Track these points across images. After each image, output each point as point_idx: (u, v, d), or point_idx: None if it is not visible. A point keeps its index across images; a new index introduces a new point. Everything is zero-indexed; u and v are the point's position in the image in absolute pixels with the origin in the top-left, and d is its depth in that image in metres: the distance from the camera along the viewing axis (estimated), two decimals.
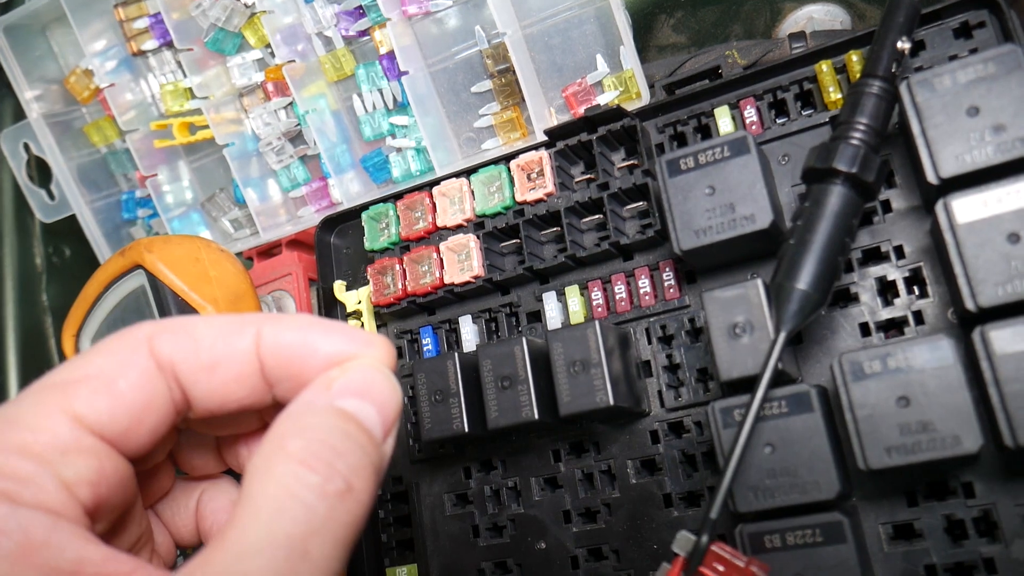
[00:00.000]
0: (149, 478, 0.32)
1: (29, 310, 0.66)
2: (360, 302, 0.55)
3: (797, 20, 0.57)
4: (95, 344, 0.28)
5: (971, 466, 0.39)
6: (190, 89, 0.62)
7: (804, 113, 0.46)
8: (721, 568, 0.36)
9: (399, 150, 0.59)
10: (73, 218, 0.66)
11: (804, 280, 0.37)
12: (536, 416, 0.44)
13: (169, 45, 0.62)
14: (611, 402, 0.42)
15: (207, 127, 0.62)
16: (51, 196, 0.65)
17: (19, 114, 0.70)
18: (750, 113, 0.47)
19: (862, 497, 0.41)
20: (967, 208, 0.37)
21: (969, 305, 0.36)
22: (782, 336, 0.37)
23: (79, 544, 0.24)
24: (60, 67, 0.65)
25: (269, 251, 0.63)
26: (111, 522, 0.28)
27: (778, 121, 0.47)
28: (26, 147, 0.65)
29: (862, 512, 0.41)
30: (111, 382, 0.27)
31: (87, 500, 0.25)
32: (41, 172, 0.66)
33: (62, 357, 0.67)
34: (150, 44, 0.62)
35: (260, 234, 0.62)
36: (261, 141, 0.61)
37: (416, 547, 0.52)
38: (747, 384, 0.39)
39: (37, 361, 0.65)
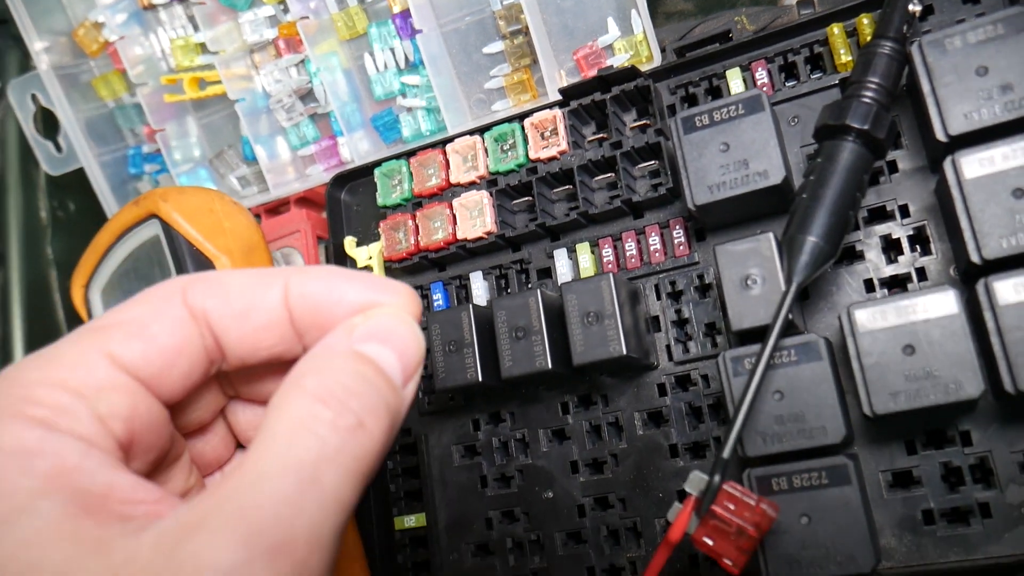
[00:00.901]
0: (203, 445, 0.33)
1: (34, 263, 0.66)
2: (371, 258, 0.56)
3: None
4: (132, 296, 0.29)
5: (969, 414, 0.40)
6: (201, 44, 0.63)
7: (814, 76, 0.47)
8: (732, 507, 0.37)
9: (409, 110, 0.60)
10: (79, 172, 0.66)
11: (816, 232, 0.39)
12: (550, 366, 0.45)
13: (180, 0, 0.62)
14: (623, 352, 0.43)
15: (217, 83, 0.62)
16: (58, 148, 0.65)
17: (25, 66, 0.69)
18: (761, 75, 0.48)
19: (863, 444, 0.42)
20: (974, 164, 0.38)
21: (974, 258, 0.38)
22: (794, 286, 0.39)
23: (109, 471, 0.25)
24: (69, 19, 0.65)
25: (277, 209, 0.64)
26: (148, 463, 0.29)
27: (788, 84, 0.48)
28: (34, 98, 0.64)
29: (863, 459, 0.42)
30: (145, 327, 0.28)
31: (120, 434, 0.27)
32: (47, 125, 0.66)
33: (67, 309, 0.68)
34: None
35: (270, 191, 0.62)
36: (271, 98, 0.62)
37: (424, 497, 0.53)
38: (757, 335, 0.41)
39: (42, 313, 0.66)
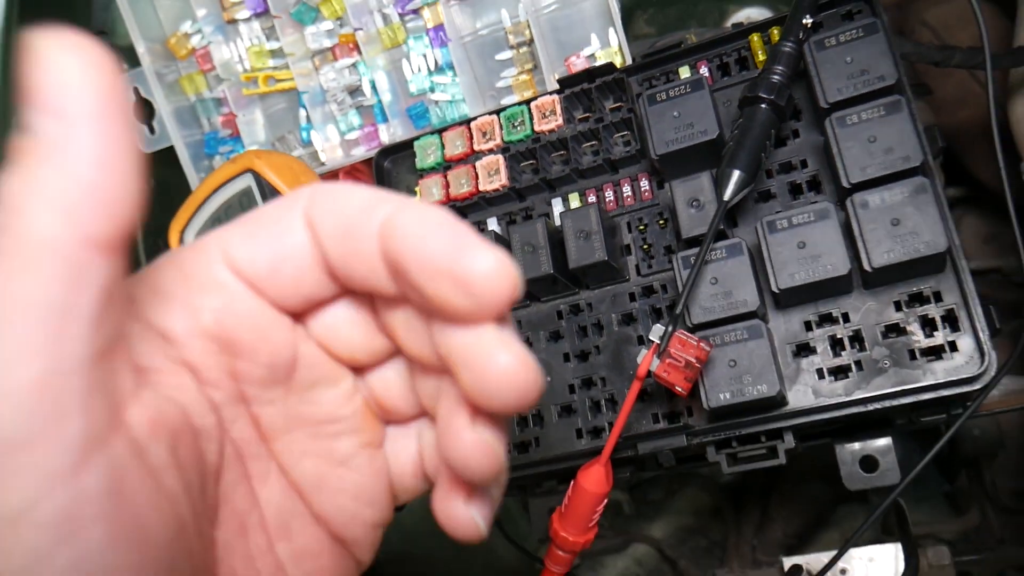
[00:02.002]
0: (381, 386, 0.33)
1: None
2: None
3: (738, 17, 0.77)
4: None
5: (847, 294, 0.58)
6: (271, 51, 0.80)
7: (742, 72, 0.66)
8: (681, 347, 0.54)
9: (437, 102, 0.77)
10: (163, 152, 0.82)
11: (739, 165, 0.56)
12: (551, 270, 0.62)
13: (257, 15, 0.80)
14: (605, 258, 0.60)
15: (283, 80, 0.79)
16: (152, 131, 0.82)
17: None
18: (704, 71, 0.66)
19: (774, 318, 0.59)
20: (844, 120, 0.56)
21: (844, 183, 0.56)
22: (723, 203, 0.56)
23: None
24: (164, 30, 0.82)
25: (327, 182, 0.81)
26: (263, 367, 0.29)
27: (724, 78, 0.66)
28: (135, 91, 0.81)
29: (774, 333, 0.59)
30: (259, 228, 0.29)
31: (212, 328, 0.28)
32: (141, 113, 0.83)
33: (150, 255, 0.83)
34: (243, 14, 0.79)
35: (325, 165, 0.79)
36: (327, 93, 0.79)
37: None
38: (700, 241, 0.58)
39: (131, 260, 0.81)
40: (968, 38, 1.02)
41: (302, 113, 0.81)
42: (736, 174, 0.57)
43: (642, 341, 0.64)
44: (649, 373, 0.54)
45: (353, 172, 0.80)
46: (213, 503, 0.29)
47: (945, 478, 1.06)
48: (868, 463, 0.63)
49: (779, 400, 0.56)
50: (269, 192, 0.68)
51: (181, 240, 0.74)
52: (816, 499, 0.91)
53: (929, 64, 0.74)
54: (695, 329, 0.57)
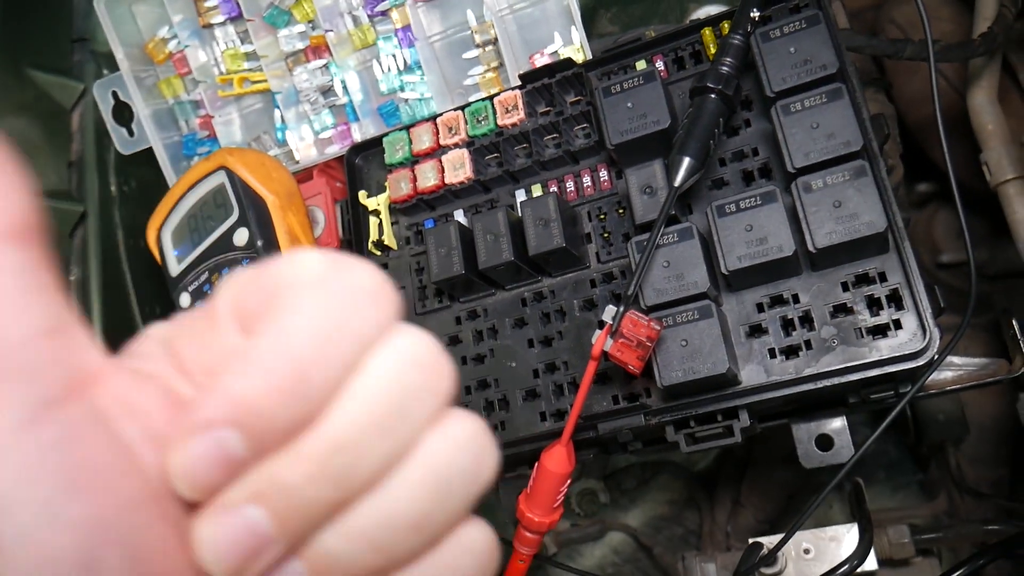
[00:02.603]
0: None
1: (106, 225, 0.84)
2: (379, 204, 0.75)
3: (699, 14, 0.80)
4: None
5: (797, 276, 0.60)
6: (246, 54, 0.82)
7: (696, 65, 0.68)
8: (633, 327, 0.56)
9: (407, 100, 0.80)
10: (142, 154, 0.85)
11: (688, 152, 0.59)
12: (512, 257, 0.64)
13: (232, 19, 0.82)
14: (563, 244, 0.63)
15: (258, 82, 0.82)
16: (131, 133, 0.84)
17: (99, 75, 0.88)
18: (660, 64, 0.69)
19: (726, 299, 0.61)
20: (789, 107, 0.59)
21: (789, 167, 0.58)
22: (674, 189, 0.58)
23: None
24: (141, 35, 0.84)
25: (301, 179, 0.83)
26: None
27: (679, 72, 0.69)
28: (114, 95, 0.83)
29: (728, 314, 0.61)
30: None
31: None
32: (119, 117, 0.85)
33: (131, 261, 0.85)
34: (217, 18, 0.82)
35: (299, 163, 0.81)
36: (300, 93, 0.81)
37: None
38: (653, 226, 0.60)
39: (112, 264, 0.83)
40: (935, 34, 1.05)
41: (277, 113, 0.83)
42: (686, 161, 0.59)
43: (602, 326, 0.66)
44: (604, 353, 0.56)
45: (326, 169, 0.82)
46: None
47: (918, 468, 1.08)
48: (823, 441, 0.64)
49: (731, 378, 0.58)
50: (242, 189, 0.70)
51: (158, 239, 0.76)
52: (787, 486, 0.93)
53: (882, 56, 0.76)
54: (649, 311, 0.59)
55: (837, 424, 0.64)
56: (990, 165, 0.88)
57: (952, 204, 1.26)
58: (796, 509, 0.94)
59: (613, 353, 0.56)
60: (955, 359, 0.69)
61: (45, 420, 0.23)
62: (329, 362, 0.25)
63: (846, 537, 0.73)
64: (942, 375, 0.70)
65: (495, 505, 0.77)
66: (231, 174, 0.71)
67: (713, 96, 0.60)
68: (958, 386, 0.66)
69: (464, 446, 0.27)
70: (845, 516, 0.90)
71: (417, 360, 0.26)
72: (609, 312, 0.56)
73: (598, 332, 0.56)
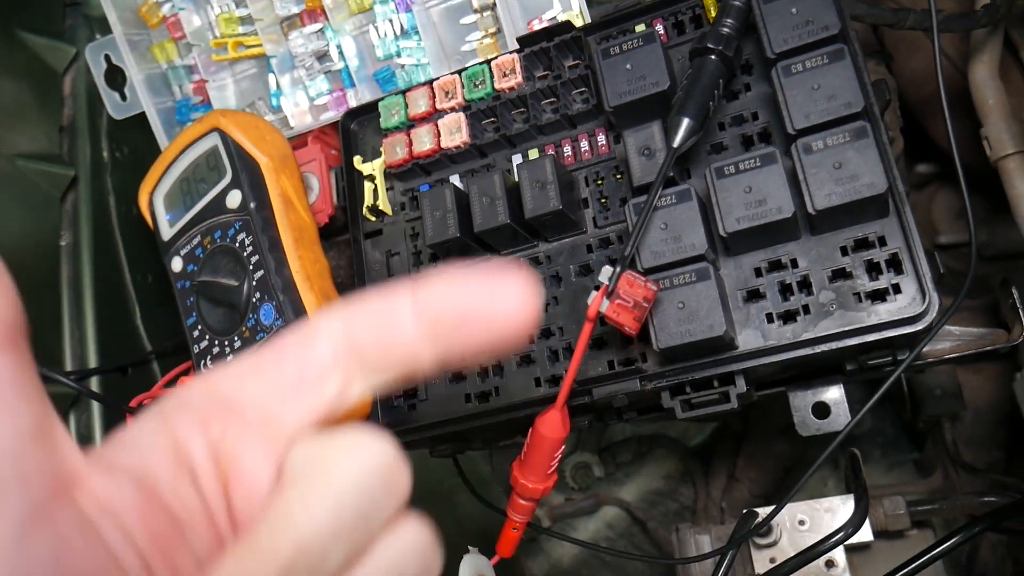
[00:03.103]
0: None
1: (98, 191, 0.83)
2: (374, 169, 0.74)
3: None
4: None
5: (795, 240, 0.59)
6: (240, 18, 0.81)
7: (696, 30, 0.67)
8: (629, 287, 0.55)
9: (403, 66, 0.79)
10: (134, 120, 0.84)
11: (687, 113, 0.58)
12: (508, 220, 0.63)
13: None
14: (560, 207, 0.62)
15: (253, 47, 0.81)
16: (123, 98, 0.83)
17: (92, 38, 0.87)
18: (659, 28, 0.68)
19: (724, 262, 0.61)
20: (789, 69, 0.58)
21: (789, 128, 0.57)
22: (672, 149, 0.58)
23: None
24: None
25: (296, 146, 0.82)
26: None
27: (679, 36, 0.68)
28: (107, 58, 0.82)
29: (725, 279, 0.61)
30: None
31: None
32: (111, 81, 0.84)
33: (122, 227, 0.84)
34: None
35: (293, 128, 0.80)
36: (296, 58, 0.80)
37: None
38: (651, 188, 0.59)
39: (104, 229, 0.82)
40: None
41: (271, 79, 0.82)
42: (685, 122, 0.58)
43: (599, 287, 0.65)
44: (600, 315, 0.55)
45: (321, 136, 0.81)
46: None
47: (914, 445, 1.08)
48: (820, 409, 0.64)
49: (728, 342, 0.58)
50: (235, 151, 0.69)
51: (150, 203, 0.75)
52: (782, 460, 0.93)
53: (884, 25, 0.75)
54: (646, 273, 0.59)
55: (834, 392, 0.64)
56: (990, 140, 0.87)
57: (951, 185, 1.26)
58: (792, 483, 0.94)
59: (609, 314, 0.55)
60: (953, 329, 0.69)
61: (37, 530, 0.24)
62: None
63: (841, 508, 0.73)
64: (939, 345, 0.69)
65: (488, 478, 0.77)
66: (224, 136, 0.70)
67: (713, 57, 0.60)
68: (956, 355, 0.66)
69: (414, 551, 0.28)
70: (841, 491, 0.89)
71: (379, 468, 0.27)
72: (605, 273, 0.55)
73: (594, 294, 0.55)
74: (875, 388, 0.62)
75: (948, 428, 0.88)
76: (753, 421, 0.96)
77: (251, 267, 0.67)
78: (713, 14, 0.66)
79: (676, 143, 0.58)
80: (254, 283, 0.67)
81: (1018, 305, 0.66)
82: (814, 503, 0.74)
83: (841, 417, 0.63)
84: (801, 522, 0.73)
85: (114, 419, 0.76)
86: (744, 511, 0.67)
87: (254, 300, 0.67)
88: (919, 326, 0.56)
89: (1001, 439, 1.06)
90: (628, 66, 0.63)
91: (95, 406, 0.77)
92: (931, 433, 0.94)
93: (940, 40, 1.01)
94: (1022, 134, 0.87)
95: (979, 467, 0.96)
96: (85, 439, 0.75)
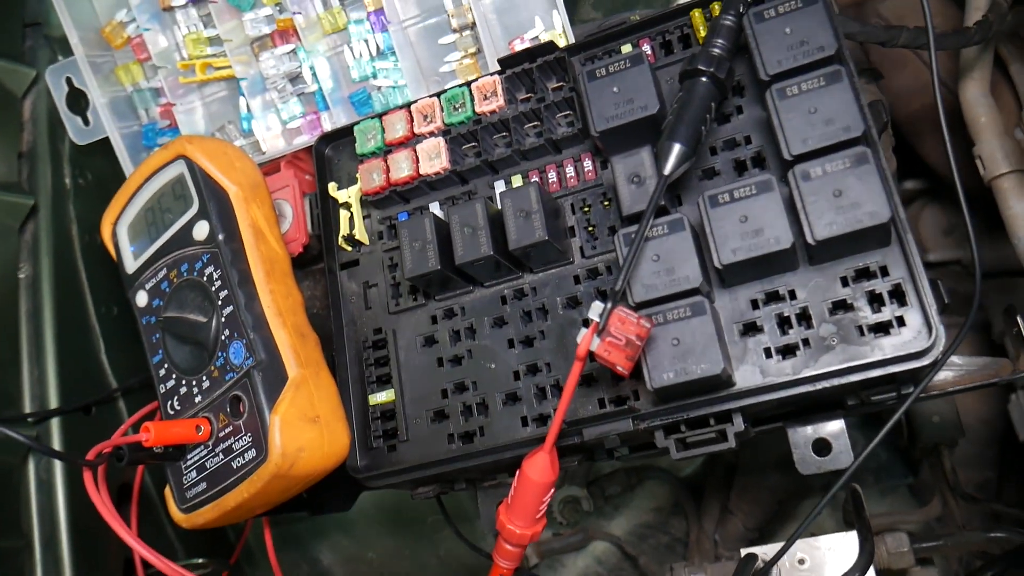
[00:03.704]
0: None
1: (59, 219, 0.79)
2: (350, 196, 0.71)
3: None
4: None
5: (793, 271, 0.56)
6: (209, 38, 0.78)
7: (684, 50, 0.65)
8: (621, 324, 0.52)
9: (380, 88, 0.75)
10: (97, 145, 0.80)
11: (678, 138, 0.55)
12: (491, 251, 0.60)
13: (193, 2, 0.77)
14: (546, 237, 0.59)
15: (222, 68, 0.77)
16: (86, 122, 0.79)
17: (53, 60, 0.83)
18: (646, 48, 0.65)
19: (719, 296, 0.58)
20: (784, 91, 0.55)
21: (786, 154, 0.54)
22: (663, 177, 0.55)
23: None
24: (98, 18, 0.80)
25: (268, 172, 0.78)
26: None
27: (667, 56, 0.65)
28: (68, 81, 0.78)
29: (720, 311, 0.58)
30: None
31: None
32: (74, 105, 0.80)
33: (85, 257, 0.80)
34: (179, 1, 0.77)
35: (265, 154, 0.77)
36: (267, 80, 0.77)
37: (392, 378, 0.66)
38: (641, 217, 0.56)
39: (65, 261, 0.78)
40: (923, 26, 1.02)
41: (242, 102, 0.79)
42: (676, 147, 0.55)
43: (587, 324, 0.62)
44: (590, 354, 0.52)
45: (295, 161, 0.78)
46: None
47: (908, 470, 1.05)
48: (821, 446, 0.61)
49: (725, 380, 0.54)
50: (202, 179, 0.66)
51: (114, 234, 0.71)
52: (776, 491, 0.90)
53: (876, 44, 0.73)
54: (638, 308, 0.56)
55: (835, 427, 0.61)
56: (984, 159, 0.85)
57: (938, 202, 1.24)
58: (787, 515, 0.91)
59: (600, 353, 0.52)
60: (955, 359, 0.66)
61: None
62: None
63: (842, 546, 0.69)
64: (942, 375, 0.67)
65: (473, 516, 0.73)
66: (191, 163, 0.66)
67: (704, 79, 0.57)
68: (960, 387, 0.63)
69: None
70: (836, 523, 0.87)
71: None
72: (596, 309, 0.52)
73: (583, 331, 0.52)
74: (870, 416, 0.59)
75: (947, 456, 0.86)
76: (746, 451, 0.93)
77: (220, 302, 0.64)
78: (702, 34, 0.63)
79: (667, 170, 0.55)
80: (223, 319, 0.63)
81: None
82: (814, 541, 0.70)
83: (843, 454, 0.60)
84: (801, 561, 0.69)
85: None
86: (744, 554, 0.64)
87: (223, 337, 0.63)
88: (925, 361, 0.53)
89: (992, 459, 1.04)
90: (615, 89, 0.60)
91: (55, 447, 0.73)
92: (928, 459, 0.92)
93: (927, 59, 1.00)
94: (1016, 152, 0.85)
95: (971, 490, 0.93)
96: (45, 486, 0.71)
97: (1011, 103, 0.96)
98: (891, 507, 0.97)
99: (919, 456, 0.93)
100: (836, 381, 0.55)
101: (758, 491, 0.89)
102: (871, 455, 0.96)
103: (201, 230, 0.65)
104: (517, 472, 0.59)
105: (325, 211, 0.72)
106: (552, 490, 0.61)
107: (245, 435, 0.60)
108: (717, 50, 0.57)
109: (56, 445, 0.73)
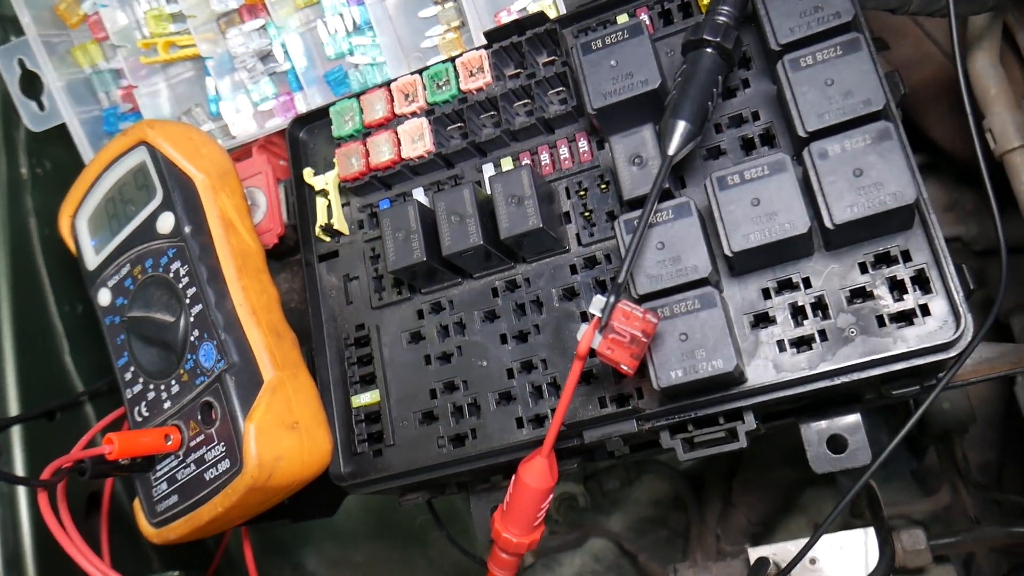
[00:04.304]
0: None
1: (16, 213, 0.74)
2: (327, 183, 0.66)
3: None
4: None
5: (808, 258, 0.52)
6: (172, 15, 0.72)
7: (685, 20, 0.60)
8: (625, 319, 0.48)
9: (357, 66, 0.70)
10: (55, 132, 0.74)
11: (684, 115, 0.50)
12: (481, 241, 0.55)
13: None
14: (540, 225, 0.54)
15: (186, 47, 0.72)
16: (41, 107, 0.74)
17: (5, 40, 0.78)
18: (644, 18, 0.60)
19: (729, 285, 0.54)
20: (798, 62, 0.51)
21: (800, 131, 0.50)
22: (668, 157, 0.50)
23: None
24: None
25: (240, 158, 0.73)
26: None
27: (666, 27, 0.60)
28: (21, 63, 0.73)
29: (729, 301, 0.53)
30: None
31: None
32: (28, 89, 0.75)
33: (45, 252, 0.75)
34: None
35: (236, 138, 0.71)
36: (236, 59, 0.71)
37: (377, 378, 0.62)
38: (644, 202, 0.52)
39: (24, 256, 0.73)
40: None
41: (209, 83, 0.73)
42: (681, 125, 0.50)
43: (586, 318, 0.58)
44: (591, 351, 0.48)
45: (268, 145, 0.73)
46: None
47: (913, 456, 1.02)
48: (836, 443, 0.57)
49: (737, 377, 0.50)
50: (166, 167, 0.61)
51: (72, 227, 0.66)
52: (781, 483, 0.86)
53: (886, 11, 0.68)
54: (642, 300, 0.51)
55: (851, 422, 0.57)
56: (994, 132, 0.81)
57: (938, 176, 1.20)
58: (791, 506, 0.87)
59: (602, 351, 0.48)
60: None
61: None
62: None
63: (854, 545, 0.66)
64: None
65: (465, 516, 0.69)
66: (153, 151, 0.61)
67: (710, 50, 0.52)
68: (981, 377, 0.59)
69: None
70: (842, 517, 0.83)
71: None
72: (597, 303, 0.48)
73: (583, 326, 0.48)
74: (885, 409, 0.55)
75: (958, 443, 0.83)
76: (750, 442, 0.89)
77: (187, 301, 0.59)
78: (705, 2, 0.58)
79: (672, 150, 0.50)
80: (191, 319, 0.58)
81: None
82: (825, 539, 0.67)
83: (860, 451, 0.56)
84: (812, 561, 0.66)
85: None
86: (752, 556, 0.61)
87: (192, 339, 0.58)
88: (952, 352, 0.49)
89: (993, 440, 1.01)
90: (612, 62, 0.55)
91: (17, 458, 0.68)
92: (936, 445, 0.88)
93: (929, 30, 0.95)
94: None
95: (988, 483, 0.90)
96: (6, 499, 0.66)
97: (1018, 74, 0.92)
98: (896, 495, 0.94)
99: (927, 443, 0.90)
100: (856, 376, 0.51)
101: (762, 482, 0.86)
102: (875, 440, 0.92)
103: (166, 222, 0.60)
104: (513, 477, 0.55)
105: (301, 199, 0.67)
106: (551, 496, 0.57)
107: (218, 444, 0.56)
108: (723, 18, 0.53)
109: (17, 455, 0.68)
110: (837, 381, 0.51)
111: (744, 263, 0.52)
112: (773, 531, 0.87)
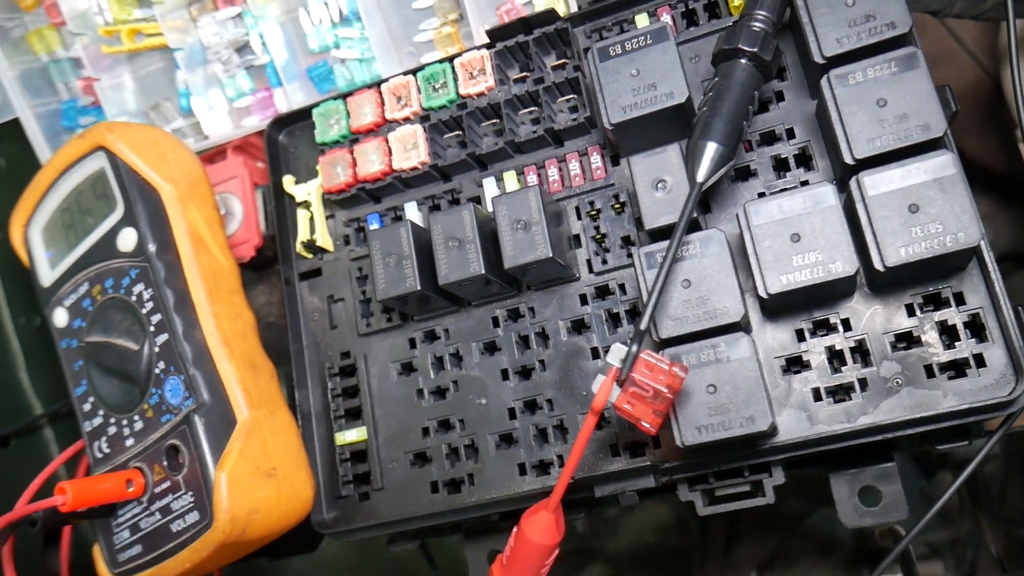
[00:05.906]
0: None
1: None
2: (309, 193, 0.59)
3: None
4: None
5: (848, 298, 0.47)
6: None
7: (712, 21, 0.54)
8: (648, 372, 0.42)
9: (343, 61, 0.64)
10: (6, 128, 0.67)
11: (715, 136, 0.44)
12: (483, 270, 0.49)
13: None
14: (550, 254, 0.48)
15: (154, 35, 0.65)
16: None
17: None
18: (665, 19, 0.54)
19: (761, 329, 0.48)
20: (846, 79, 0.45)
21: (847, 158, 0.44)
22: (698, 184, 0.44)
23: None
24: None
25: (213, 158, 0.67)
26: None
27: (690, 29, 0.54)
28: None
29: (760, 344, 0.48)
30: None
31: None
32: None
33: (0, 259, 0.68)
34: None
35: (208, 139, 0.65)
36: (209, 50, 0.64)
37: (364, 413, 0.56)
38: (667, 233, 0.46)
39: None
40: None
41: (179, 75, 0.66)
42: (712, 147, 0.44)
43: (596, 354, 0.52)
44: (608, 403, 0.42)
45: (244, 146, 0.66)
46: None
47: (922, 473, 0.97)
48: (868, 495, 0.52)
49: (769, 432, 0.45)
50: (128, 176, 0.54)
51: (26, 238, 0.60)
52: (789, 511, 0.81)
53: (927, 13, 0.62)
54: (663, 345, 0.46)
55: (885, 470, 0.52)
56: None
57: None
58: (800, 533, 0.83)
59: (621, 406, 0.42)
60: None
61: None
62: None
63: None
64: None
65: (460, 558, 0.63)
66: (113, 157, 0.54)
67: (745, 61, 0.46)
68: None
69: None
70: (842, 566, 0.78)
71: None
72: (616, 353, 0.42)
73: (599, 378, 0.42)
74: None
75: (979, 472, 0.78)
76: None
77: (152, 328, 0.52)
78: (736, 2, 0.52)
79: (702, 176, 0.44)
80: (156, 349, 0.52)
81: None
82: None
83: (896, 504, 0.51)
84: None
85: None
86: None
87: (157, 371, 0.52)
88: (1012, 409, 0.44)
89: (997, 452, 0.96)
90: (633, 71, 0.49)
91: None
92: (954, 470, 0.84)
93: (962, 39, 0.89)
94: None
95: (1007, 515, 0.85)
96: None
97: None
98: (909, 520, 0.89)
99: (936, 460, 0.85)
100: (899, 433, 0.45)
101: (769, 510, 0.81)
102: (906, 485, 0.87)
103: (127, 239, 0.54)
104: (515, 529, 0.49)
105: (280, 211, 0.60)
106: (556, 551, 0.51)
107: (186, 493, 0.50)
108: (760, 25, 0.47)
109: None
110: (878, 438, 0.46)
111: (780, 304, 0.47)
112: (780, 562, 0.82)
